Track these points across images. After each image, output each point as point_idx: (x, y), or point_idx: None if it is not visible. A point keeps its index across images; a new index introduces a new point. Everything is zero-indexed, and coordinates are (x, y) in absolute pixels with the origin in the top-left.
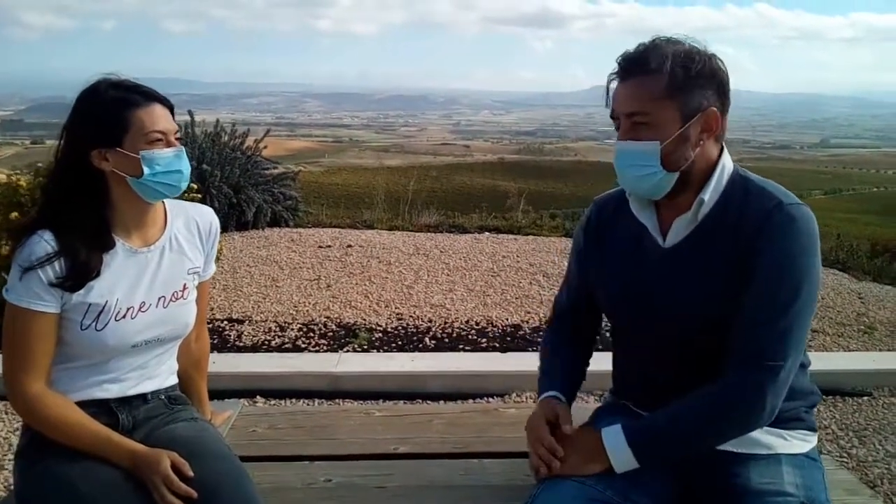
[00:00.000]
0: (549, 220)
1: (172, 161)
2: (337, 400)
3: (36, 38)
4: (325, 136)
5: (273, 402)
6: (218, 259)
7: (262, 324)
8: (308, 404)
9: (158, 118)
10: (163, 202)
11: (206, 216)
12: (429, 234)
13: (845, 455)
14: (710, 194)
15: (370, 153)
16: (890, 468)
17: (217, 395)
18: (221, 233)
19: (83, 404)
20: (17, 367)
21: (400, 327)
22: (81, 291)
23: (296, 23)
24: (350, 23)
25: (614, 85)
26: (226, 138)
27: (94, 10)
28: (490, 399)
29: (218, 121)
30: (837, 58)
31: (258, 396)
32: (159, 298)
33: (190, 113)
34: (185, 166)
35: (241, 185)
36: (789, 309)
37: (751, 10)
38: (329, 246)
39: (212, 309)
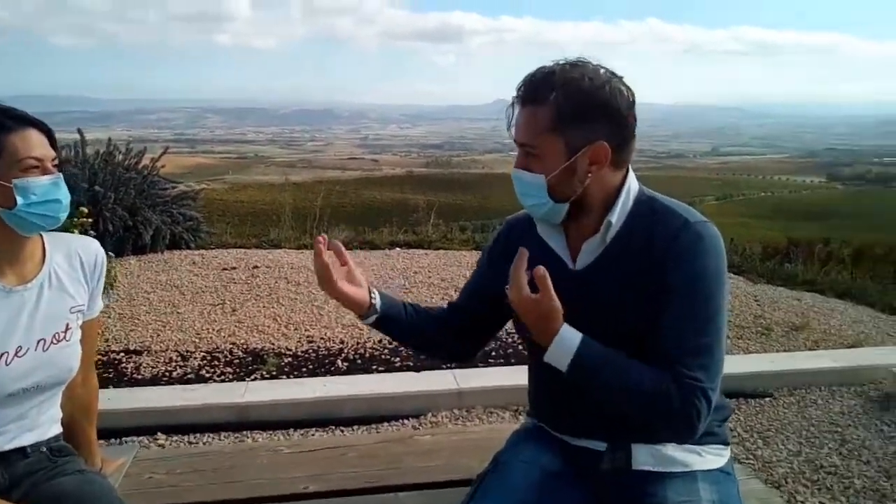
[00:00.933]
0: (459, 233)
1: (49, 190)
2: (245, 432)
3: None
4: (228, 152)
5: (176, 437)
6: (112, 287)
7: (163, 354)
8: (214, 438)
9: (34, 144)
10: (41, 235)
11: (91, 248)
12: None
13: (751, 457)
14: (616, 217)
15: (276, 169)
16: (793, 466)
17: (114, 434)
18: (117, 257)
19: None
20: None
21: (311, 350)
22: None
23: (193, 38)
24: (250, 37)
25: (517, 109)
26: (120, 157)
27: None
28: (406, 420)
29: (110, 139)
30: (724, 70)
31: (159, 433)
32: (38, 341)
33: (80, 131)
34: (64, 195)
35: (137, 206)
36: (707, 328)
37: (643, 24)
38: (234, 268)
39: (107, 340)
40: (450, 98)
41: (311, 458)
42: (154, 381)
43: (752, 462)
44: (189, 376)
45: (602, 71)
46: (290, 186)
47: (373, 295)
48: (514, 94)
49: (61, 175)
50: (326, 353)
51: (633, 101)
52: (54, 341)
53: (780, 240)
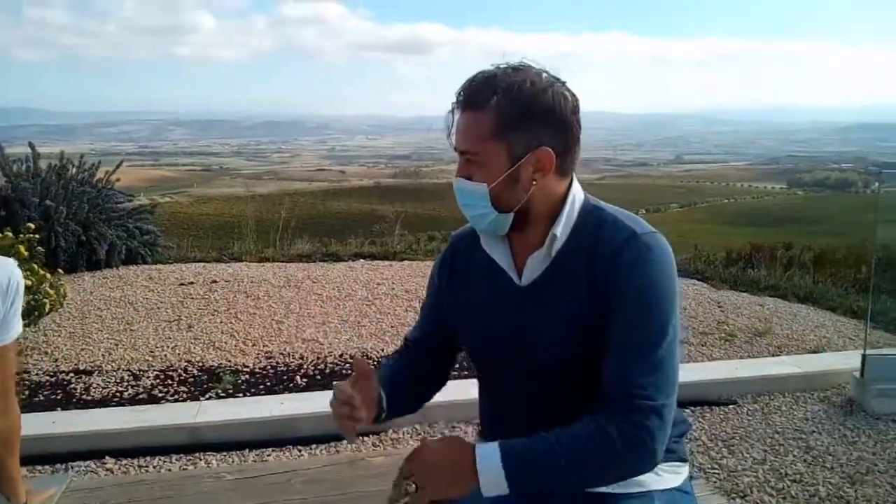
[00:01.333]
0: (426, 243)
1: None
2: (199, 454)
3: None
4: (192, 164)
5: (125, 461)
6: (61, 304)
7: (114, 374)
8: (165, 462)
9: None
10: None
11: (5, 271)
12: (301, 264)
13: (716, 466)
14: (561, 229)
15: (242, 181)
16: (758, 475)
17: (59, 459)
18: (70, 273)
19: None
20: None
21: (269, 367)
22: None
23: (155, 50)
24: (214, 49)
25: (457, 115)
26: (73, 171)
27: None
28: (366, 438)
29: (63, 153)
30: (687, 80)
31: (107, 458)
32: None
33: (31, 145)
34: None
35: (91, 220)
36: (660, 341)
37: (606, 35)
38: (192, 283)
39: (55, 360)
40: (417, 108)
41: (254, 485)
42: (104, 402)
43: (717, 471)
44: (141, 396)
45: (544, 75)
46: (256, 198)
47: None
48: (454, 99)
49: None
50: (285, 369)
51: (578, 107)
52: None
53: (744, 245)
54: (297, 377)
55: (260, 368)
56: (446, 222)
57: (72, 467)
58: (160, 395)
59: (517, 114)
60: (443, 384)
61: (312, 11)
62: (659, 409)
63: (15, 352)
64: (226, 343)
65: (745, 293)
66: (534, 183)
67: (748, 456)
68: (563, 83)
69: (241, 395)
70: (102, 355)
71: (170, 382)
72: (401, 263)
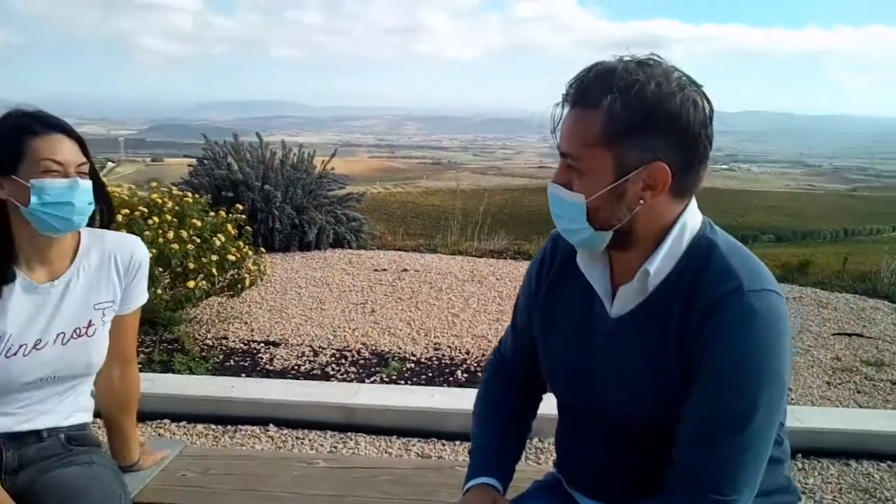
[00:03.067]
0: None
1: (64, 192)
2: (350, 433)
3: (157, 63)
4: (423, 157)
5: (286, 431)
6: (260, 281)
7: (297, 348)
8: (320, 436)
9: (57, 148)
10: (79, 234)
11: (127, 248)
12: (491, 259)
13: None
14: (658, 264)
15: (467, 174)
16: None
17: (229, 421)
18: (284, 252)
19: None
20: None
21: (435, 358)
22: None
23: (395, 49)
24: (449, 48)
25: (565, 111)
26: (293, 159)
27: (209, 36)
28: (458, 443)
29: (283, 142)
30: None
31: (271, 425)
32: (58, 335)
33: (258, 135)
34: (80, 199)
35: (304, 205)
36: (744, 426)
37: (863, 31)
38: (384, 269)
39: (252, 330)
40: None
41: (342, 476)
42: (283, 373)
43: None
44: (315, 371)
45: (675, 75)
46: (479, 191)
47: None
48: (564, 92)
49: (80, 181)
50: (449, 362)
51: (709, 119)
52: (74, 336)
53: None
54: (459, 371)
55: (426, 359)
56: None
57: (239, 430)
58: (332, 372)
59: (633, 119)
60: (539, 401)
61: (544, 9)
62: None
63: (137, 320)
64: (401, 330)
65: None
66: (641, 202)
67: None
68: (698, 87)
69: (402, 382)
70: (292, 330)
71: (343, 361)
72: None
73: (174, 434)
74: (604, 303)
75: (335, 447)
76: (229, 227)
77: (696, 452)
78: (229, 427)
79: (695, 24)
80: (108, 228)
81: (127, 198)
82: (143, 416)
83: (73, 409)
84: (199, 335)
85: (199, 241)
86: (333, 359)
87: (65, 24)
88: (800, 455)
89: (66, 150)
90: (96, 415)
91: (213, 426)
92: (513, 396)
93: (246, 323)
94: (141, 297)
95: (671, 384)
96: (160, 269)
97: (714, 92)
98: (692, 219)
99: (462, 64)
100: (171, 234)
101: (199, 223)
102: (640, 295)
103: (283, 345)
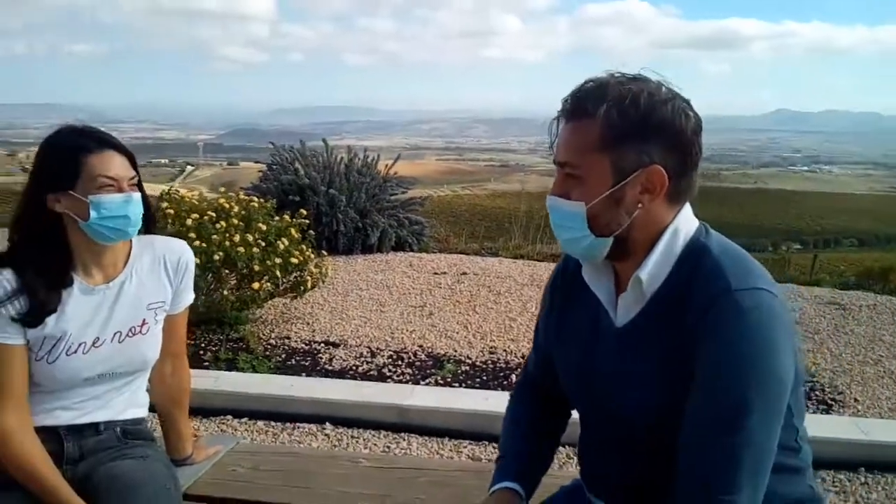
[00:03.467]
0: None
1: (120, 206)
2: (403, 434)
3: (234, 70)
4: (491, 159)
5: (341, 429)
6: (322, 283)
7: (356, 349)
8: (374, 436)
9: (110, 164)
10: (130, 240)
11: (176, 251)
12: (550, 263)
13: None
14: (650, 270)
15: (535, 177)
16: None
17: (288, 418)
18: (347, 255)
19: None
20: None
21: (490, 361)
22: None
23: (465, 53)
24: (517, 51)
25: (561, 125)
26: (359, 164)
27: (283, 44)
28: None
29: (349, 147)
30: None
31: (327, 423)
32: (115, 333)
33: (324, 140)
34: (133, 212)
35: (367, 209)
36: (737, 426)
37: None
38: (444, 273)
39: (313, 331)
40: (720, 108)
41: (383, 476)
42: (341, 373)
43: None
44: (371, 372)
45: (664, 88)
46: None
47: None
48: (560, 108)
49: (133, 195)
50: (504, 366)
51: (700, 128)
52: (130, 334)
53: None
54: (514, 376)
55: (482, 362)
56: (747, 230)
57: (297, 428)
58: (388, 373)
59: (629, 125)
60: (568, 415)
61: (615, 10)
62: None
63: (186, 318)
64: (457, 333)
65: None
66: (639, 206)
67: None
68: (687, 101)
69: (457, 385)
70: (351, 331)
71: (399, 363)
72: None
73: (236, 430)
74: (609, 314)
75: (388, 447)
76: (293, 230)
77: (692, 455)
78: (288, 424)
79: (773, 21)
80: (152, 233)
81: (196, 202)
82: (207, 412)
83: (129, 404)
84: (264, 335)
85: (264, 244)
86: (390, 360)
87: (149, 35)
88: (863, 469)
89: (119, 166)
90: (151, 411)
91: (272, 423)
92: (537, 409)
93: (308, 324)
94: (189, 296)
95: (676, 391)
96: (226, 271)
97: (796, 91)
98: (686, 224)
99: (530, 66)
100: (237, 238)
101: (264, 227)
102: (639, 303)
103: (342, 345)
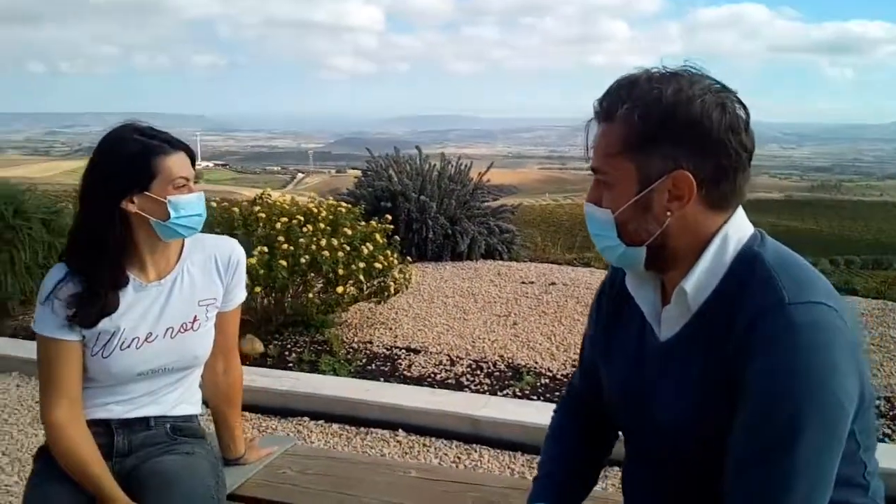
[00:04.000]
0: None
1: (195, 205)
2: (475, 444)
3: (343, 80)
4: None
5: (413, 437)
6: (405, 289)
7: (436, 356)
8: (445, 444)
9: (183, 165)
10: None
11: (226, 249)
12: None
13: None
14: (695, 281)
15: None
16: None
17: (362, 423)
18: (436, 261)
19: (87, 423)
20: (43, 394)
21: (571, 374)
22: None
23: (572, 59)
24: (625, 56)
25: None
26: (451, 171)
27: (392, 54)
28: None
29: (443, 155)
30: None
31: (400, 430)
32: (167, 329)
33: (418, 148)
34: (204, 209)
35: (457, 216)
36: (789, 449)
37: None
38: (532, 282)
39: (395, 336)
40: (843, 116)
41: (431, 489)
42: (419, 380)
43: None
44: (449, 381)
45: (705, 83)
46: None
47: None
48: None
49: (202, 193)
50: None
51: (739, 124)
52: (181, 330)
53: None
54: None
55: (562, 375)
56: (870, 245)
57: (371, 433)
58: (466, 382)
59: (650, 127)
60: (614, 433)
61: (729, 13)
62: None
63: (238, 316)
64: (540, 344)
65: None
66: (669, 214)
67: None
68: (730, 93)
69: (534, 397)
70: (433, 338)
71: (478, 372)
72: None
73: (311, 432)
74: (652, 327)
75: (458, 458)
76: (378, 235)
77: (741, 480)
78: (362, 429)
79: None
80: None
81: (287, 207)
82: (286, 413)
83: (180, 400)
84: (347, 338)
85: (349, 248)
86: (469, 369)
87: (262, 47)
88: None
89: (188, 166)
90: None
91: (347, 427)
92: (579, 428)
93: (391, 329)
94: (241, 294)
95: (720, 411)
96: (312, 275)
97: None
98: (737, 231)
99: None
100: (323, 242)
101: (350, 231)
102: (684, 317)
103: (422, 352)
